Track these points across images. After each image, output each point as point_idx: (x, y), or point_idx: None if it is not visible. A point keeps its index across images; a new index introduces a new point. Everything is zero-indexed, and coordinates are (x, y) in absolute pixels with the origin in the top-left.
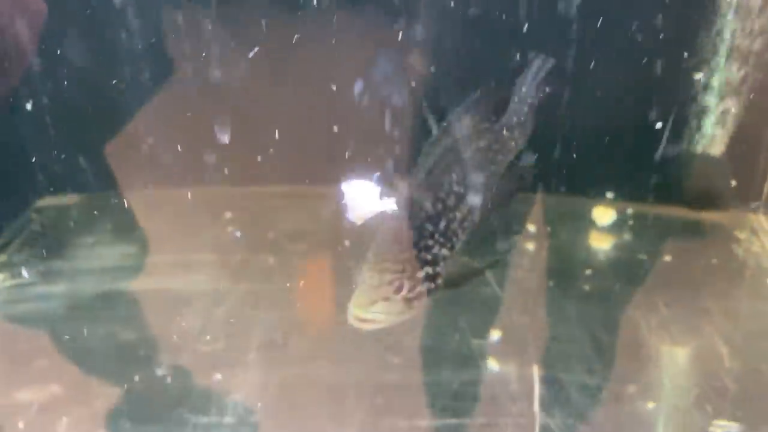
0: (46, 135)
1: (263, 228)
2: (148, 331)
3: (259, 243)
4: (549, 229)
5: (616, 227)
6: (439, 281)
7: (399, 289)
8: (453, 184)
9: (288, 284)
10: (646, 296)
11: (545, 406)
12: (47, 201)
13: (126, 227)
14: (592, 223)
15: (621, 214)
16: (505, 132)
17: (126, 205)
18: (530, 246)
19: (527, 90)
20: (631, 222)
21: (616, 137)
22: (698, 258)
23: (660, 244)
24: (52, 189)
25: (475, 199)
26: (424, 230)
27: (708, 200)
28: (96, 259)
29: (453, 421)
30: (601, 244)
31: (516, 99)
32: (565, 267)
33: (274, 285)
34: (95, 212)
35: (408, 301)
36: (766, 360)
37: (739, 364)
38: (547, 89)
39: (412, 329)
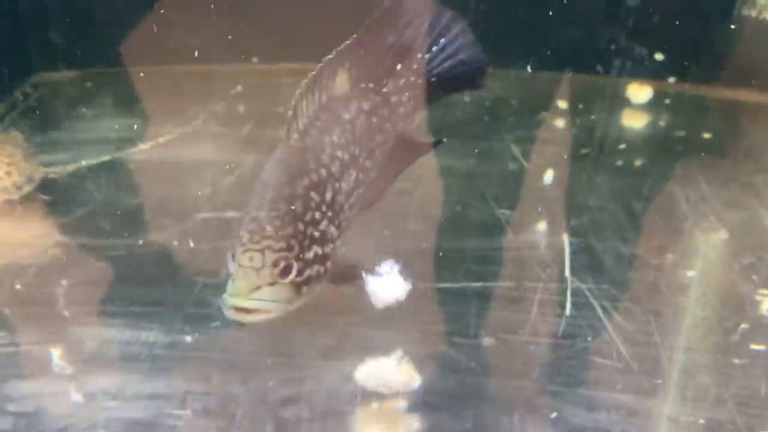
0: (43, 10)
1: (272, 103)
2: (153, 198)
3: (269, 117)
4: (580, 106)
5: (651, 105)
6: (329, 265)
7: (286, 272)
8: (335, 148)
9: None
10: (684, 171)
11: (577, 273)
12: (43, 77)
13: (128, 101)
14: (626, 101)
15: (657, 92)
16: (394, 96)
17: (128, 80)
18: (559, 123)
19: (420, 48)
20: (667, 101)
21: (653, 9)
22: (739, 137)
23: (699, 122)
24: (48, 64)
25: (362, 172)
26: (310, 199)
27: (752, 78)
28: (96, 130)
29: (477, 284)
30: (636, 121)
31: (409, 58)
32: (596, 143)
33: None
34: (94, 87)
35: (297, 287)
36: None
37: None
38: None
39: (434, 199)
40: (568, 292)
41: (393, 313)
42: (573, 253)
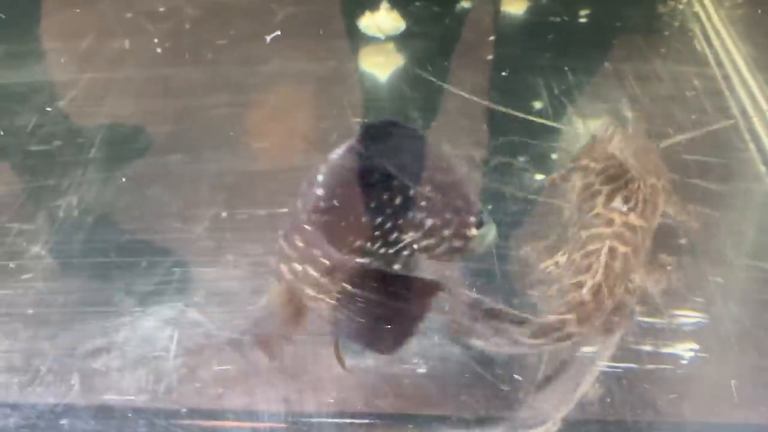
0: None
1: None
2: None
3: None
4: None
5: None
6: None
7: None
8: None
9: None
10: (552, 61)
11: None
12: None
13: None
14: None
15: None
16: None
17: None
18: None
19: None
20: None
21: None
22: (616, 20)
23: (579, 4)
24: None
25: None
26: None
27: None
28: None
29: None
30: (516, 6)
31: None
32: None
33: None
34: None
35: None
36: None
37: None
38: None
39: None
40: None
41: None
42: None
